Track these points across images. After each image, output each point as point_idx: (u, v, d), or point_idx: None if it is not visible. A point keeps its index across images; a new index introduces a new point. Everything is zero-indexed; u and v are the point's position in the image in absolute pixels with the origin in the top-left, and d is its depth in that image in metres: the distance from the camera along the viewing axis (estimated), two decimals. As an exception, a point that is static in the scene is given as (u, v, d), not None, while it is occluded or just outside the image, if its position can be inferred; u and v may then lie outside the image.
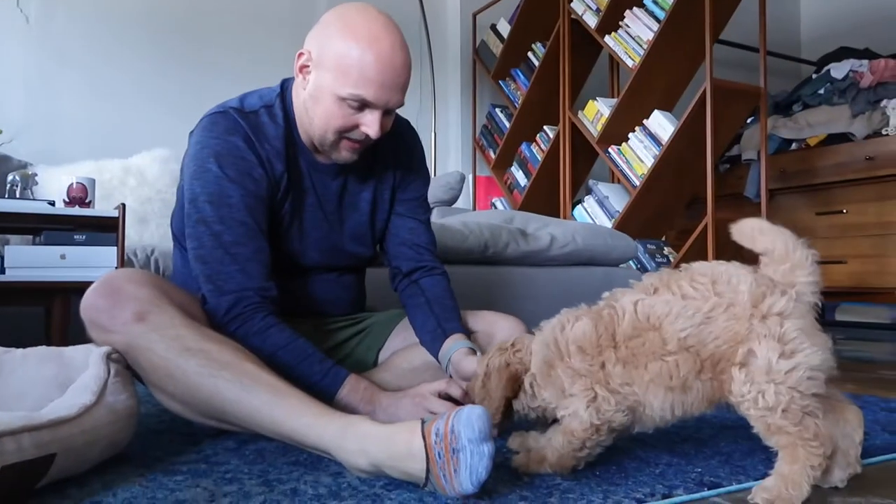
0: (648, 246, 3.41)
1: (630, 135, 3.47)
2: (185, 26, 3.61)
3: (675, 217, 3.71)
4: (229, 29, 3.72)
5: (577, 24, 3.76)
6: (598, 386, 0.99)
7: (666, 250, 3.44)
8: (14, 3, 3.19)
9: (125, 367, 1.12)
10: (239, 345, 1.16)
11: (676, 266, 1.03)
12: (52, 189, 2.33)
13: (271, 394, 1.08)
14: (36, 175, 2.23)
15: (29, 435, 0.86)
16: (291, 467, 1.07)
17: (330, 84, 1.24)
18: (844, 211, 4.11)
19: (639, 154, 3.40)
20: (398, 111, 1.35)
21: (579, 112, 3.75)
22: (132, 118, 3.40)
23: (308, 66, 1.29)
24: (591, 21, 3.64)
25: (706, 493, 0.96)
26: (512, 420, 1.13)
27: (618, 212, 3.50)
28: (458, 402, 1.20)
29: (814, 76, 4.50)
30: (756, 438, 0.95)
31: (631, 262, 3.23)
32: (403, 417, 1.16)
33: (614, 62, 4.06)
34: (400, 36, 1.26)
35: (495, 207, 4.32)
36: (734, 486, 0.99)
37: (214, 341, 1.13)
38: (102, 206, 2.06)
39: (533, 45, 4.15)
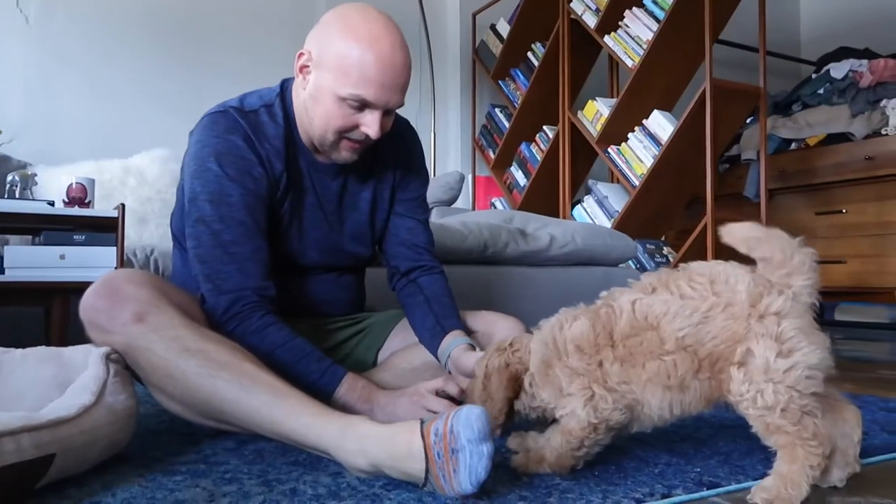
0: (648, 246, 3.41)
1: (629, 135, 3.48)
2: (185, 26, 3.61)
3: (675, 217, 3.71)
4: (229, 29, 3.72)
5: (576, 24, 3.76)
6: (595, 385, 0.99)
7: (665, 250, 3.45)
8: (14, 3, 3.19)
9: (124, 367, 1.12)
10: (238, 345, 1.16)
11: (675, 266, 1.03)
12: (51, 189, 2.33)
13: (270, 394, 1.08)
14: (35, 175, 2.23)
15: (28, 435, 0.86)
16: (291, 467, 1.07)
17: (330, 84, 1.25)
18: (844, 211, 4.11)
19: (638, 154, 3.41)
20: (398, 111, 1.35)
21: (579, 112, 3.75)
22: (132, 118, 3.40)
23: (308, 67, 1.29)
24: (591, 21, 3.64)
25: (705, 492, 0.96)
26: (513, 420, 1.13)
27: (617, 212, 3.50)
28: (455, 400, 1.21)
29: (813, 76, 4.51)
30: (755, 438, 0.95)
31: (630, 262, 3.23)
32: (401, 416, 1.16)
33: (614, 62, 4.06)
34: (400, 36, 1.27)
35: (495, 207, 4.32)
36: (733, 486, 0.99)
37: (213, 342, 1.14)
38: (102, 207, 2.06)
39: (532, 46, 4.15)
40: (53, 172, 2.50)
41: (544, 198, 3.95)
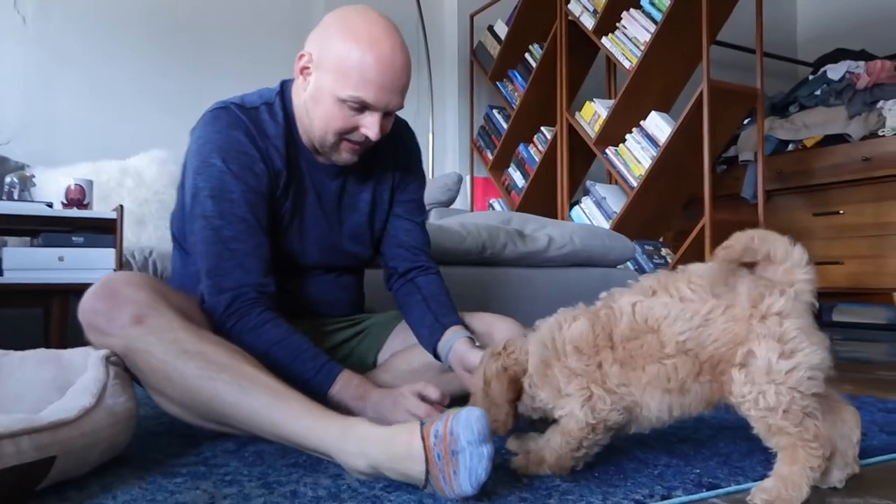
0: (646, 247, 3.41)
1: (627, 136, 3.48)
2: (185, 26, 3.60)
3: (673, 218, 3.72)
4: (229, 29, 3.72)
5: (574, 26, 3.76)
6: (593, 385, 0.99)
7: (664, 251, 3.45)
8: (11, 3, 3.19)
9: (124, 369, 1.12)
10: (237, 347, 1.16)
11: (674, 267, 1.04)
12: (49, 191, 2.33)
13: (270, 396, 1.08)
14: (33, 177, 2.22)
15: (28, 437, 0.86)
16: (291, 469, 1.07)
17: (330, 86, 1.25)
18: (841, 212, 4.12)
19: (636, 155, 3.41)
20: (397, 113, 1.35)
21: (576, 113, 3.75)
22: (130, 119, 3.39)
23: (308, 68, 1.29)
24: (588, 23, 3.64)
25: (705, 494, 0.97)
26: (517, 422, 1.13)
27: (615, 213, 3.51)
28: (434, 404, 1.20)
29: (810, 77, 4.52)
30: (754, 439, 0.95)
31: (629, 262, 3.23)
32: (387, 415, 1.17)
33: (611, 63, 4.07)
34: (400, 39, 1.27)
35: (493, 208, 4.33)
36: (733, 487, 0.99)
37: (212, 344, 1.13)
38: (100, 208, 2.06)
39: (530, 47, 4.15)
40: (51, 174, 2.50)
41: (542, 199, 3.95)
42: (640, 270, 3.30)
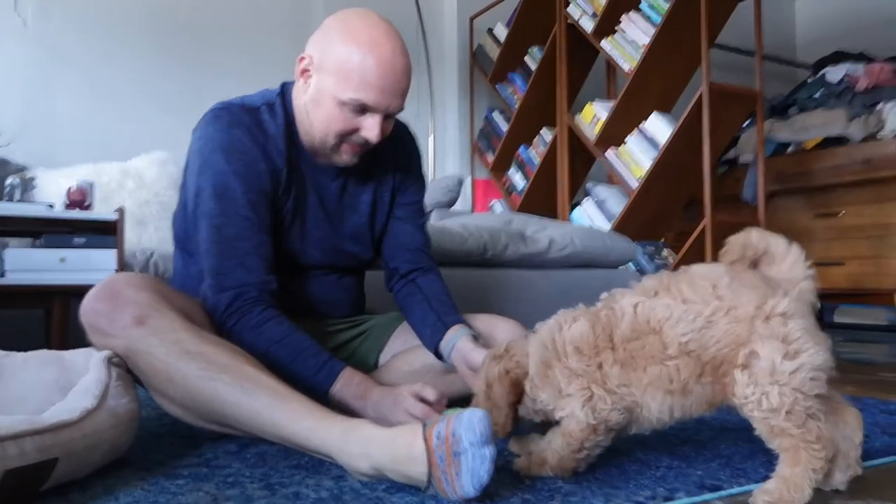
0: (647, 248, 3.41)
1: (628, 137, 3.48)
2: (185, 26, 3.60)
3: (674, 219, 3.72)
4: (229, 29, 3.72)
5: (573, 29, 3.76)
6: (594, 385, 0.99)
7: (664, 252, 3.45)
8: (11, 5, 3.19)
9: (126, 370, 1.12)
10: (238, 348, 1.16)
11: (675, 268, 1.04)
12: (50, 192, 2.33)
13: (272, 397, 1.08)
14: (34, 178, 2.22)
15: (31, 439, 0.86)
16: (293, 471, 1.07)
17: (331, 88, 1.25)
18: (842, 213, 4.13)
19: (636, 156, 3.41)
20: (398, 116, 1.36)
21: (576, 115, 3.75)
22: (131, 120, 3.39)
23: (309, 71, 1.30)
24: (588, 25, 3.64)
25: (707, 495, 0.97)
26: (518, 425, 1.13)
27: (616, 214, 3.50)
28: (432, 406, 1.20)
29: (809, 80, 4.52)
30: (756, 441, 0.95)
31: (630, 263, 3.23)
32: (387, 414, 1.17)
33: (611, 66, 4.07)
34: (401, 42, 1.28)
35: (494, 210, 4.33)
36: (735, 489, 0.99)
37: (214, 345, 1.14)
38: (101, 210, 2.06)
39: (530, 49, 4.15)
40: (52, 175, 2.50)
41: (543, 200, 3.96)
42: (642, 272, 3.30)
